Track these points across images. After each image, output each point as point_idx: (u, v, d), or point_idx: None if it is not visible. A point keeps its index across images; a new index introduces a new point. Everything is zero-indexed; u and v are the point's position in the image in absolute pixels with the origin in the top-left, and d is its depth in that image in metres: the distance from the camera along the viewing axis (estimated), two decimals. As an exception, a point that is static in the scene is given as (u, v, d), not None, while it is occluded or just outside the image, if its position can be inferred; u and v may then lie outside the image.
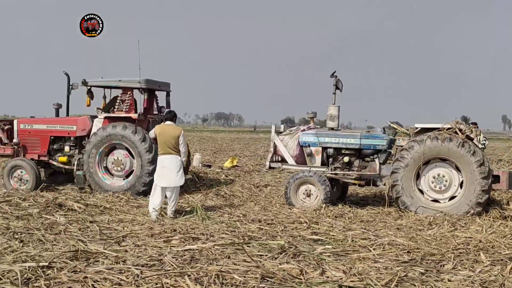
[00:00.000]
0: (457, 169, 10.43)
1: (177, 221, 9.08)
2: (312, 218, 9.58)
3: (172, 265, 6.01)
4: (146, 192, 11.49)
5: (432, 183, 10.56)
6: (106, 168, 12.35)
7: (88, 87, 12.71)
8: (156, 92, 13.42)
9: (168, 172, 9.65)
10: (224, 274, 5.62)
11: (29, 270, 5.44)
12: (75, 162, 12.63)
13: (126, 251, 6.78)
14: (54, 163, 13.04)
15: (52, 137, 13.09)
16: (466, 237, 8.28)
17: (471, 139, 10.48)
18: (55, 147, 13.12)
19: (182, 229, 8.30)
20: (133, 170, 12.14)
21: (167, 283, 5.25)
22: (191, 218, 9.39)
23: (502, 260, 6.91)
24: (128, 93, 12.43)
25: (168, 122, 10.04)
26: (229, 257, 6.71)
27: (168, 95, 13.39)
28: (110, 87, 12.98)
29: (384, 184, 11.39)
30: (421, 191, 10.64)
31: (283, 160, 12.28)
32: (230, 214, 10.01)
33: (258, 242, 7.58)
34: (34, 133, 13.14)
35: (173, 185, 9.71)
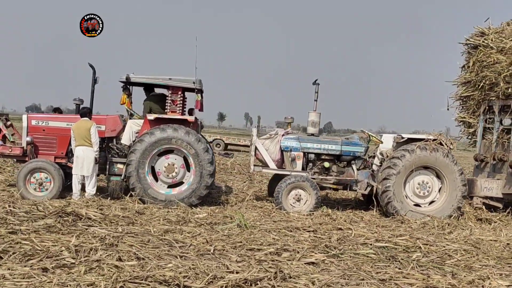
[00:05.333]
0: (437, 176, 11.53)
1: (220, 231, 8.60)
2: (337, 224, 9.85)
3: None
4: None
5: (417, 189, 11.50)
6: (153, 170, 11.08)
7: (124, 84, 11.45)
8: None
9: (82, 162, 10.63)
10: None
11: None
12: (107, 167, 11.21)
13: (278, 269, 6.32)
14: None
15: None
16: (491, 240, 9.28)
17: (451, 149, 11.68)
18: None
19: (262, 241, 7.94)
20: (182, 182, 11.13)
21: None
22: (233, 227, 8.95)
23: None
24: (179, 93, 11.31)
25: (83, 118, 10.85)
26: (359, 268, 6.74)
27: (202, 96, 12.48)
28: (158, 86, 11.78)
29: (360, 189, 12.08)
30: (406, 196, 11.51)
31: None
32: (257, 222, 9.71)
33: (351, 252, 7.63)
34: (50, 131, 11.20)
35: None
